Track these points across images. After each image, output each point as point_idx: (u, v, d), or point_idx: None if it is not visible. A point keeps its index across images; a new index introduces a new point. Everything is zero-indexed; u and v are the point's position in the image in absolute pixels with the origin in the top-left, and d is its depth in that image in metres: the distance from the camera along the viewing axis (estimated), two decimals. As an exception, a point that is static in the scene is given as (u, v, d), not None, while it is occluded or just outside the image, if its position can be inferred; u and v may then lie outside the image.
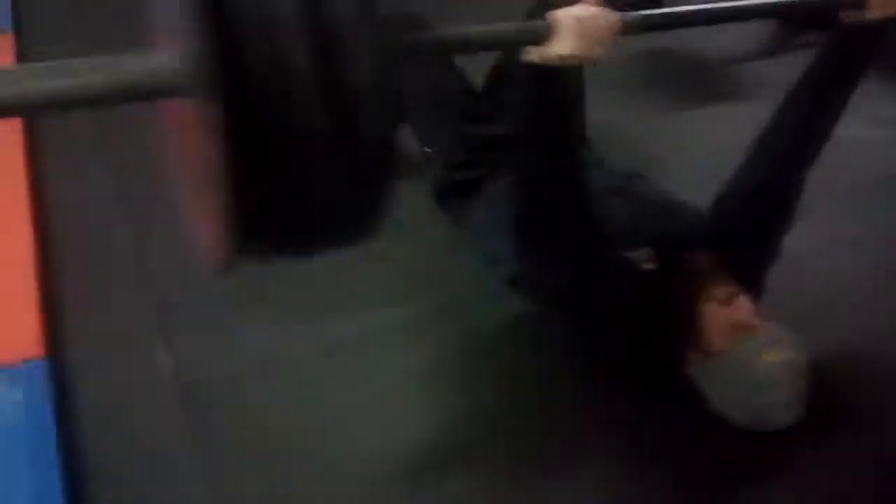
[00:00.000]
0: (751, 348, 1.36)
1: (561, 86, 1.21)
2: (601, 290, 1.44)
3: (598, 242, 1.43)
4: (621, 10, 1.15)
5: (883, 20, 1.37)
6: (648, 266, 1.49)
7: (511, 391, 1.61)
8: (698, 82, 2.98)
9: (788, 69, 2.92)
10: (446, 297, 1.85)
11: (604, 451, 1.51)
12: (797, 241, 1.60)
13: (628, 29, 1.14)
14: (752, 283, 1.52)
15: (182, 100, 0.91)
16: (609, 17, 1.13)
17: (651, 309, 1.45)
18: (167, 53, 0.93)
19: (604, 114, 1.97)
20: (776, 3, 1.29)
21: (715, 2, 1.22)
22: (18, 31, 2.60)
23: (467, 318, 1.79)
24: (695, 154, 2.31)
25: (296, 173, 0.79)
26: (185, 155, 1.01)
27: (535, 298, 1.66)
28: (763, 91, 2.82)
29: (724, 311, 1.40)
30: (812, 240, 1.65)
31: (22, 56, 2.38)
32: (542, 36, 1.11)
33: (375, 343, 1.69)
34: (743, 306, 1.41)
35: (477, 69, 1.99)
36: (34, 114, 0.84)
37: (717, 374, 1.41)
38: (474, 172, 1.86)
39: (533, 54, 1.15)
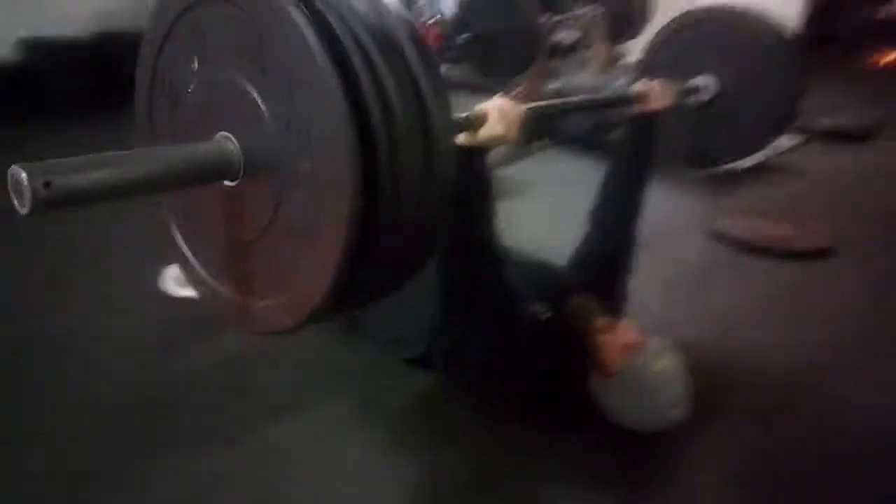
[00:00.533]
0: (642, 361, 1.59)
1: (485, 162, 1.49)
2: (520, 341, 1.66)
3: (512, 301, 1.66)
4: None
5: (659, 110, 1.93)
6: (546, 315, 1.76)
7: (448, 452, 1.67)
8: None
9: (528, 171, 3.56)
10: (358, 388, 1.88)
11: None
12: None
13: (532, 116, 1.49)
14: (615, 314, 1.88)
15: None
16: (519, 107, 1.47)
17: (557, 348, 1.70)
18: (221, 142, 1.02)
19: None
20: (607, 97, 1.77)
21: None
22: None
23: (386, 400, 1.84)
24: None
25: (403, 212, 0.95)
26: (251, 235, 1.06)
27: (449, 365, 1.82)
28: (525, 189, 3.44)
29: (614, 337, 1.65)
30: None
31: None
32: (475, 123, 1.40)
33: (316, 444, 1.67)
34: (628, 329, 1.66)
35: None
36: (122, 198, 0.82)
37: (618, 388, 1.61)
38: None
39: (467, 138, 1.42)
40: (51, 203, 0.84)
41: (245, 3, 0.97)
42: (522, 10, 4.46)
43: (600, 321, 1.72)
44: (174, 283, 2.07)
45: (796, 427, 1.78)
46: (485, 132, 1.41)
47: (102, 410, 1.72)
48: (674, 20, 2.72)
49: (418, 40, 0.97)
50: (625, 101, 1.90)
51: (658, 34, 2.75)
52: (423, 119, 0.96)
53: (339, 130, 0.88)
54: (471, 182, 1.46)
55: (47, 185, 0.84)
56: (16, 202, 0.84)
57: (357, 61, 0.89)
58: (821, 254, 2.64)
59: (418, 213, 0.99)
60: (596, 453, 1.65)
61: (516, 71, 4.72)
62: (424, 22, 5.60)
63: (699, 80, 2.40)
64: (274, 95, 0.96)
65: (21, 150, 3.24)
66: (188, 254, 1.19)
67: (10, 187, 0.84)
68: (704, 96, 2.40)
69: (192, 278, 1.19)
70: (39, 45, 3.91)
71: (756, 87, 2.43)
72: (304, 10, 0.90)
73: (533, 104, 1.53)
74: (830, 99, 4.94)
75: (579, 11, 5.31)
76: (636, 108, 1.93)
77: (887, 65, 7.44)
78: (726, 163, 2.80)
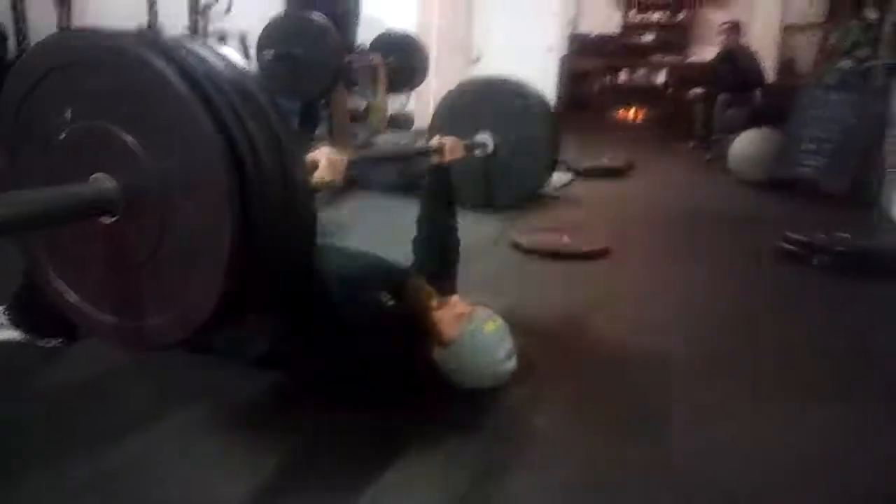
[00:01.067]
0: (475, 326, 1.77)
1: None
2: (367, 327, 1.75)
3: (353, 296, 1.77)
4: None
5: (453, 160, 2.32)
6: (390, 301, 1.86)
7: (299, 439, 1.74)
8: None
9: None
10: (207, 394, 1.91)
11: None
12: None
13: (352, 165, 1.78)
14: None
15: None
16: (343, 157, 1.74)
17: (403, 328, 1.82)
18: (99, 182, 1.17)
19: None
20: (413, 150, 2.11)
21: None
22: None
23: (234, 402, 1.89)
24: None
25: (273, 237, 1.16)
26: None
27: (298, 359, 1.89)
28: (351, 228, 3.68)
29: (447, 309, 1.83)
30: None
31: None
32: (309, 169, 1.65)
33: (173, 448, 1.68)
34: (457, 302, 1.86)
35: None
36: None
37: (457, 352, 1.77)
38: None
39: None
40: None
41: (110, 63, 1.14)
42: (323, 36, 4.64)
43: (435, 299, 1.92)
44: None
45: (583, 355, 2.27)
46: (317, 177, 1.66)
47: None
48: (457, 87, 3.20)
49: (267, 93, 1.21)
50: (426, 153, 2.27)
51: (444, 98, 3.21)
52: (282, 159, 1.18)
53: (220, 175, 1.08)
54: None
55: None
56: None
57: (228, 115, 1.09)
58: (598, 255, 3.28)
59: (286, 236, 1.21)
60: (445, 414, 1.83)
61: (318, 93, 4.93)
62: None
63: (481, 137, 2.87)
64: (153, 143, 1.13)
65: None
66: (65, 290, 1.29)
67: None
68: (487, 150, 2.87)
69: (71, 312, 1.29)
70: None
71: (526, 140, 2.96)
72: (178, 71, 1.10)
73: (354, 155, 1.81)
74: (590, 148, 6.02)
75: (368, 54, 5.71)
76: (435, 159, 2.29)
77: (625, 120, 8.93)
78: (511, 200, 3.29)
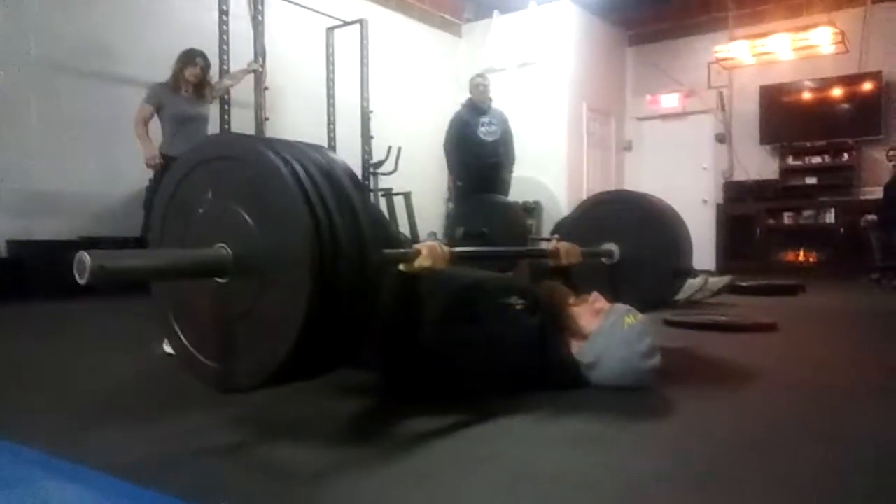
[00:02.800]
0: (615, 319, 1.80)
1: (418, 281, 1.82)
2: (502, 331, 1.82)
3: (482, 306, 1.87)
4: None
5: (568, 265, 2.39)
6: (520, 305, 1.91)
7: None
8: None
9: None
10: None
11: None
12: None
13: (453, 257, 1.93)
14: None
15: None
16: (444, 248, 1.90)
17: (534, 327, 1.85)
18: (219, 250, 1.41)
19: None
20: (527, 250, 2.22)
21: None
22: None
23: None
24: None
25: (343, 309, 1.32)
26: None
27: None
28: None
29: (587, 305, 1.89)
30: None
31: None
32: (413, 257, 1.82)
33: None
34: (598, 298, 1.89)
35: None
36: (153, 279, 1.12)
37: (595, 345, 1.79)
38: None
39: (406, 266, 1.83)
40: (102, 277, 1.20)
41: (244, 158, 1.42)
42: (511, 218, 5.07)
43: (575, 296, 1.96)
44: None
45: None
46: (417, 263, 1.82)
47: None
48: (588, 199, 3.34)
49: (360, 186, 1.42)
50: (541, 255, 2.36)
51: (576, 209, 3.34)
52: (360, 246, 1.37)
53: (305, 250, 1.28)
54: (409, 292, 1.82)
55: (101, 266, 1.20)
56: (77, 276, 1.20)
57: (317, 204, 1.31)
58: (766, 328, 3.15)
59: (354, 310, 1.38)
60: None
61: (502, 269, 5.26)
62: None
63: (610, 246, 2.91)
64: (261, 220, 1.36)
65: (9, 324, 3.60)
66: (180, 334, 1.52)
67: (74, 266, 1.20)
68: (614, 258, 2.90)
69: (180, 352, 1.51)
70: (30, 245, 4.66)
71: (651, 249, 2.97)
72: (284, 162, 1.35)
73: (458, 248, 1.97)
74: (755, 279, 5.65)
75: (550, 236, 6.05)
76: (551, 262, 2.37)
77: (794, 262, 8.37)
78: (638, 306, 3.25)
